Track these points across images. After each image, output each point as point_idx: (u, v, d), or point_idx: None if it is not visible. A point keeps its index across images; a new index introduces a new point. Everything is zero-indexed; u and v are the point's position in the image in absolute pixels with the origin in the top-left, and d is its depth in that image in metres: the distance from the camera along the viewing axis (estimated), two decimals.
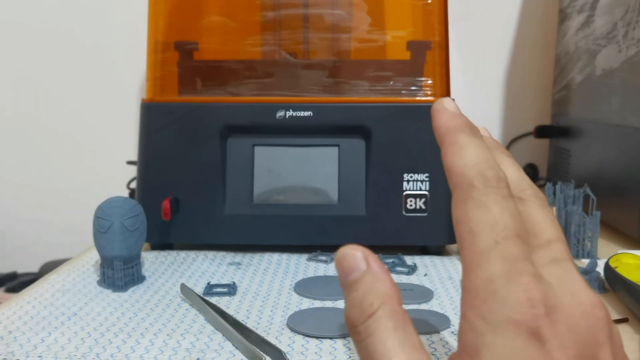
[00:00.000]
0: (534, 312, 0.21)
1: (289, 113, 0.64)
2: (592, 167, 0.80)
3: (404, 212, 0.63)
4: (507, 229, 0.22)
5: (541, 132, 0.95)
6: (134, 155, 1.03)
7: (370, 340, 0.22)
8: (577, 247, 0.64)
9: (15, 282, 0.97)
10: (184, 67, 0.70)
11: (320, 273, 0.59)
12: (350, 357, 0.40)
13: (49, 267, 0.95)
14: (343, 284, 0.24)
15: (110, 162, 1.06)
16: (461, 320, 0.22)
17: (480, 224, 0.22)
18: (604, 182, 0.76)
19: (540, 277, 0.22)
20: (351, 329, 0.23)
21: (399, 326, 0.22)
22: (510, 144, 1.05)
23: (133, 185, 0.92)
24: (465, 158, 0.24)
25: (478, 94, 1.04)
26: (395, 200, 0.63)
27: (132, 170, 0.99)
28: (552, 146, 0.97)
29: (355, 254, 0.24)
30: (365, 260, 0.24)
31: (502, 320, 0.21)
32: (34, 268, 1.04)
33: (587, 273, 0.55)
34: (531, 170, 1.03)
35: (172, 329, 0.45)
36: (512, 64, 1.04)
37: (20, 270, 1.05)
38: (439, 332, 0.45)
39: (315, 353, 0.41)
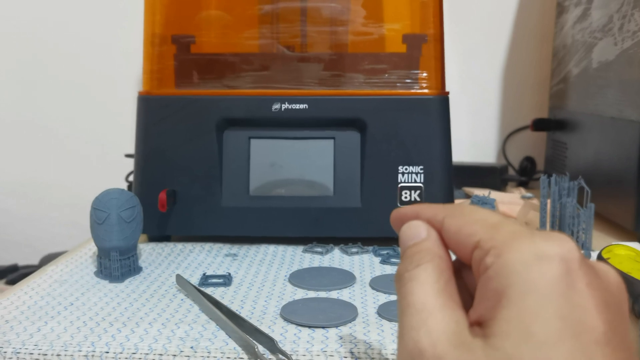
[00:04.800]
0: (566, 247, 0.21)
1: (285, 106, 0.65)
2: (588, 159, 0.80)
3: (398, 204, 0.64)
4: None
5: (538, 125, 0.95)
6: (132, 149, 1.03)
7: (411, 285, 0.23)
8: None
9: (16, 274, 0.97)
10: (181, 60, 0.71)
11: (316, 264, 0.59)
12: (341, 345, 0.41)
13: (48, 260, 0.96)
14: (402, 251, 0.26)
15: (108, 156, 1.06)
16: (480, 272, 0.23)
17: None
18: (600, 174, 0.76)
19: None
20: (397, 279, 0.25)
21: (443, 280, 0.23)
22: (507, 138, 1.05)
23: (131, 178, 0.92)
24: None
25: (475, 87, 1.04)
26: (390, 192, 0.64)
27: (131, 164, 0.99)
28: (550, 139, 0.97)
29: (419, 224, 0.26)
30: (427, 230, 0.26)
31: (531, 257, 0.21)
32: (35, 260, 1.05)
33: None
34: (529, 164, 1.03)
35: (166, 319, 0.46)
36: (509, 57, 1.04)
37: (21, 262, 1.06)
38: None
39: (307, 342, 0.42)
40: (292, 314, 0.46)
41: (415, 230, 0.26)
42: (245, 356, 0.40)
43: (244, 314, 0.47)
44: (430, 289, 0.23)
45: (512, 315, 0.20)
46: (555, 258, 0.21)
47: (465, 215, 0.25)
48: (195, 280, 0.55)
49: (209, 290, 0.52)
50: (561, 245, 0.21)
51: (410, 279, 0.24)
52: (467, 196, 0.88)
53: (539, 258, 0.21)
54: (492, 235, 0.23)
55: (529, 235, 0.22)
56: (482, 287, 0.22)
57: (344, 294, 0.51)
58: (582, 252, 0.21)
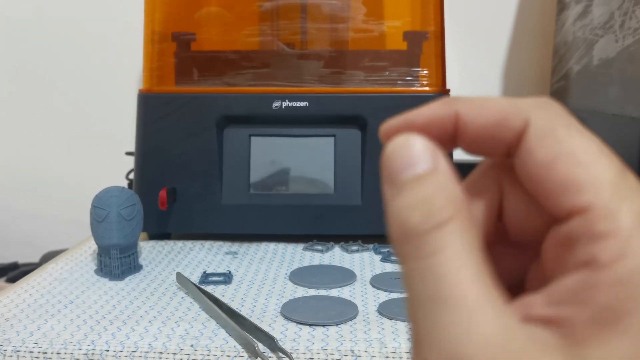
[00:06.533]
0: None
1: (285, 103, 0.64)
2: None
3: None
4: None
5: None
6: (132, 147, 1.03)
7: (438, 261, 0.15)
8: None
9: (16, 272, 0.97)
10: (181, 57, 0.70)
11: (316, 262, 0.59)
12: (342, 343, 0.41)
13: (49, 258, 0.96)
14: (392, 183, 0.16)
15: (109, 154, 1.06)
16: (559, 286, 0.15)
17: None
18: None
19: None
20: (405, 238, 0.16)
21: (476, 249, 0.15)
22: None
23: (132, 176, 0.92)
24: None
25: (475, 84, 1.04)
26: None
27: (131, 161, 0.99)
28: None
29: (415, 145, 0.16)
30: (431, 155, 0.16)
31: None
32: (35, 258, 1.05)
33: None
34: None
35: (166, 317, 0.46)
36: (510, 54, 1.04)
37: (22, 260, 1.06)
38: None
39: (308, 340, 0.42)
40: (292, 312, 0.46)
41: (413, 152, 0.16)
42: (245, 354, 0.40)
43: (244, 312, 0.47)
44: (468, 266, 0.15)
45: (632, 351, 0.14)
46: None
47: (493, 101, 0.16)
48: (195, 278, 0.55)
49: (209, 288, 0.52)
50: None
51: (437, 250, 0.15)
52: None
53: None
54: (605, 196, 0.15)
55: None
56: (578, 282, 0.15)
57: (344, 292, 0.51)
58: None
